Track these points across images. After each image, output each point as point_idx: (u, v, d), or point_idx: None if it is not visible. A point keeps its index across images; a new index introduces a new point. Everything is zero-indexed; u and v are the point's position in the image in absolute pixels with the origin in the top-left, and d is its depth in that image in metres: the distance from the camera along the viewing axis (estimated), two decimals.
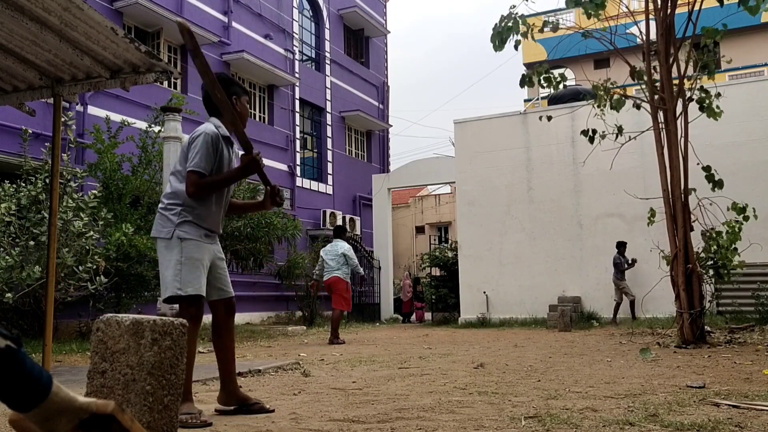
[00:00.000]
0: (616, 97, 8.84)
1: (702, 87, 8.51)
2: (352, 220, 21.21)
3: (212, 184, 3.41)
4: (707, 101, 8.39)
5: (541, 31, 8.56)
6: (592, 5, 7.88)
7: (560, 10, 8.94)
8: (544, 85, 8.98)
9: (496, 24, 8.47)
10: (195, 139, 3.42)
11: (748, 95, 13.54)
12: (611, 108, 8.73)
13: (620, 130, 8.64)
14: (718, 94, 8.42)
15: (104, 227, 9.57)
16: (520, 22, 8.35)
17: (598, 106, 8.80)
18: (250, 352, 8.23)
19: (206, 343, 9.66)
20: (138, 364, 2.25)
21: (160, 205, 3.48)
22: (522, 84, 8.96)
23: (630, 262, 13.35)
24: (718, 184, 8.20)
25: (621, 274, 13.26)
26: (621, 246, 13.39)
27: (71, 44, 4.79)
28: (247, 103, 3.73)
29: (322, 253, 10.65)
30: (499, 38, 8.40)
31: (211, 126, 3.52)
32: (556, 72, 9.68)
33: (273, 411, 3.58)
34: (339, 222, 20.22)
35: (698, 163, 8.13)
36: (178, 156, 3.59)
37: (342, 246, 10.45)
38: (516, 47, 8.78)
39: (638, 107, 8.80)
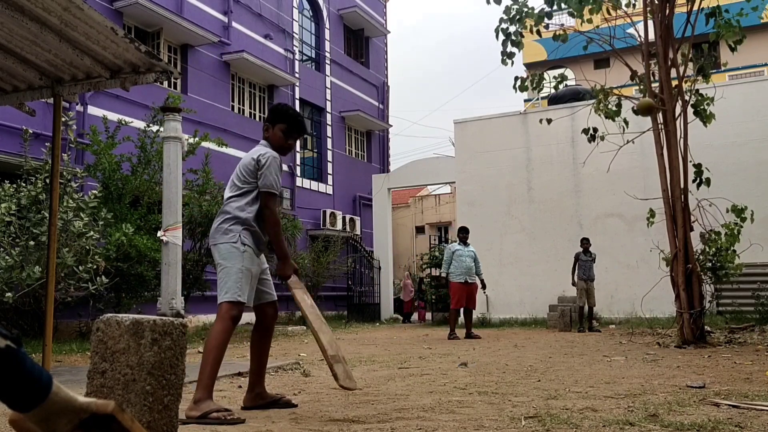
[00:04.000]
0: (614, 99, 8.86)
1: (698, 91, 8.54)
2: (352, 220, 21.21)
3: (277, 226, 3.68)
4: (702, 106, 8.42)
5: (539, 31, 8.59)
6: (576, 5, 7.93)
7: (558, 10, 8.95)
8: (536, 89, 9.05)
9: (499, 23, 8.50)
10: (266, 159, 3.62)
11: (748, 95, 13.55)
12: (606, 117, 8.76)
13: (626, 122, 8.64)
14: (711, 99, 8.42)
15: (104, 227, 9.57)
16: (524, 14, 8.38)
17: (597, 110, 8.82)
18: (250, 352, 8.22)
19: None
20: (138, 364, 2.25)
21: (224, 216, 3.67)
22: (515, 87, 9.01)
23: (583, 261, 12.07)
24: (705, 183, 8.23)
25: (580, 272, 12.11)
26: (585, 242, 12.31)
27: (71, 44, 4.79)
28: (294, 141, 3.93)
29: (456, 254, 11.34)
30: (506, 45, 8.47)
31: (268, 149, 3.73)
32: (557, 72, 9.70)
33: (296, 406, 3.75)
34: (339, 222, 20.22)
35: (691, 161, 8.15)
36: (239, 172, 3.74)
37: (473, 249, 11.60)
38: (518, 49, 8.82)
39: (637, 113, 8.82)
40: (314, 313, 3.71)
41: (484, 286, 11.65)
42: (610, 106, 8.84)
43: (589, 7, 8.13)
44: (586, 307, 12.08)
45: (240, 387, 4.75)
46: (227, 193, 3.74)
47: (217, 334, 3.52)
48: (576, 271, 12.20)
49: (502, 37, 8.58)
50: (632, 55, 9.08)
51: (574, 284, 12.25)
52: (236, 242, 3.60)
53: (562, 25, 8.95)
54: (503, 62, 8.67)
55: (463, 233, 11.73)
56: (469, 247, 11.48)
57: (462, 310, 11.39)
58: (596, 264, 14.19)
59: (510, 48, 8.59)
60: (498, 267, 15.39)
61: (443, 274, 11.55)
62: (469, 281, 11.22)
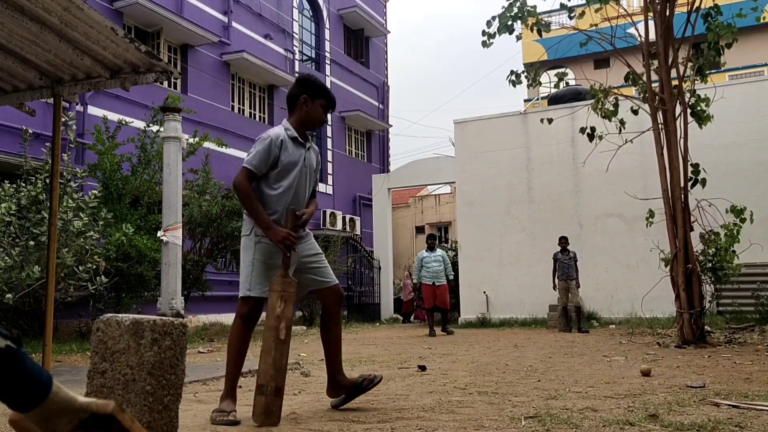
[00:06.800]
0: (611, 99, 8.86)
1: (695, 91, 8.53)
2: (352, 220, 21.21)
3: (247, 197, 3.41)
4: (699, 107, 8.42)
5: (539, 31, 8.60)
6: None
7: (557, 10, 8.99)
8: (532, 84, 9.07)
9: (502, 10, 8.51)
10: (259, 138, 3.52)
11: (748, 95, 13.54)
12: (603, 116, 8.76)
13: (623, 123, 8.64)
14: (708, 100, 8.42)
15: (104, 227, 9.57)
16: (526, 12, 8.40)
17: (595, 110, 8.83)
18: (250, 352, 8.21)
19: (206, 344, 9.67)
20: (138, 364, 2.25)
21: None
22: (510, 81, 9.02)
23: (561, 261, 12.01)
24: (701, 183, 8.23)
25: (558, 272, 12.05)
26: (563, 241, 12.19)
27: (71, 44, 4.79)
28: (321, 107, 3.63)
29: (424, 261, 12.21)
30: (504, 27, 8.47)
31: (277, 128, 3.58)
32: (556, 71, 9.71)
33: (381, 379, 3.73)
34: (339, 222, 20.24)
35: (690, 161, 8.15)
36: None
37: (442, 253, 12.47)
38: (518, 39, 8.84)
39: (636, 112, 8.82)
40: (273, 328, 3.21)
41: (451, 287, 12.39)
42: (607, 106, 8.84)
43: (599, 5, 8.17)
44: (571, 307, 11.96)
45: (240, 387, 4.75)
46: None
47: (230, 333, 3.56)
48: (556, 272, 12.12)
49: (496, 24, 8.62)
50: (633, 55, 9.08)
51: (555, 288, 12.17)
52: (249, 234, 3.47)
53: (543, 18, 8.96)
54: (483, 44, 8.70)
55: (430, 240, 12.68)
56: (436, 252, 12.28)
57: (441, 310, 12.23)
58: (596, 264, 14.16)
59: (495, 32, 8.62)
60: (498, 267, 15.38)
61: (415, 280, 12.42)
62: (437, 283, 11.98)
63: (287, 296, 3.28)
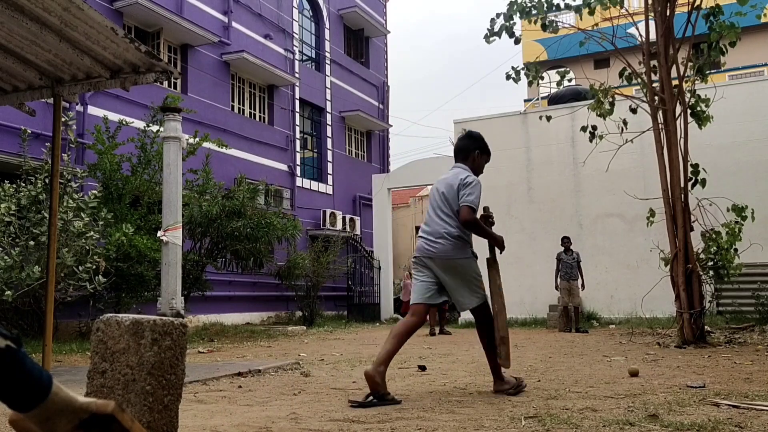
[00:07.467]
0: (609, 101, 8.86)
1: (695, 91, 8.53)
2: (352, 220, 21.20)
3: (479, 225, 4.35)
4: (698, 107, 8.42)
5: (544, 26, 8.61)
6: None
7: (560, 11, 9.00)
8: (533, 81, 9.10)
9: (508, 8, 8.56)
10: (471, 182, 4.43)
11: (748, 95, 13.54)
12: (599, 115, 8.75)
13: (625, 123, 8.64)
14: (708, 100, 8.41)
15: (104, 227, 9.57)
16: (531, 7, 8.44)
17: (594, 109, 8.83)
18: (250, 352, 8.23)
19: (206, 344, 9.67)
20: (138, 364, 2.25)
21: (452, 233, 4.36)
22: (509, 78, 9.04)
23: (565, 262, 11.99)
24: (701, 183, 8.23)
25: (561, 272, 12.05)
26: (565, 240, 12.17)
27: (71, 44, 4.79)
28: (485, 162, 4.74)
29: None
30: (507, 19, 8.52)
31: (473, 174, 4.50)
32: (558, 70, 9.71)
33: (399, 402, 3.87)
34: (339, 222, 20.24)
35: (690, 161, 8.14)
36: (441, 197, 4.56)
37: None
38: (517, 42, 8.85)
39: (635, 111, 8.82)
40: (500, 294, 4.31)
41: None
42: (605, 106, 8.84)
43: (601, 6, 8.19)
44: (571, 307, 11.97)
45: (240, 387, 4.76)
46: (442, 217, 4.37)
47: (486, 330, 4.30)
48: (559, 272, 12.11)
49: (500, 21, 8.65)
50: (633, 55, 9.08)
51: (557, 288, 12.16)
52: (470, 256, 4.44)
53: (551, 20, 8.98)
54: (485, 38, 8.74)
55: None
56: None
57: (440, 310, 12.30)
58: (596, 264, 14.14)
59: (500, 31, 8.67)
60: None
61: None
62: None
63: (498, 274, 4.51)
